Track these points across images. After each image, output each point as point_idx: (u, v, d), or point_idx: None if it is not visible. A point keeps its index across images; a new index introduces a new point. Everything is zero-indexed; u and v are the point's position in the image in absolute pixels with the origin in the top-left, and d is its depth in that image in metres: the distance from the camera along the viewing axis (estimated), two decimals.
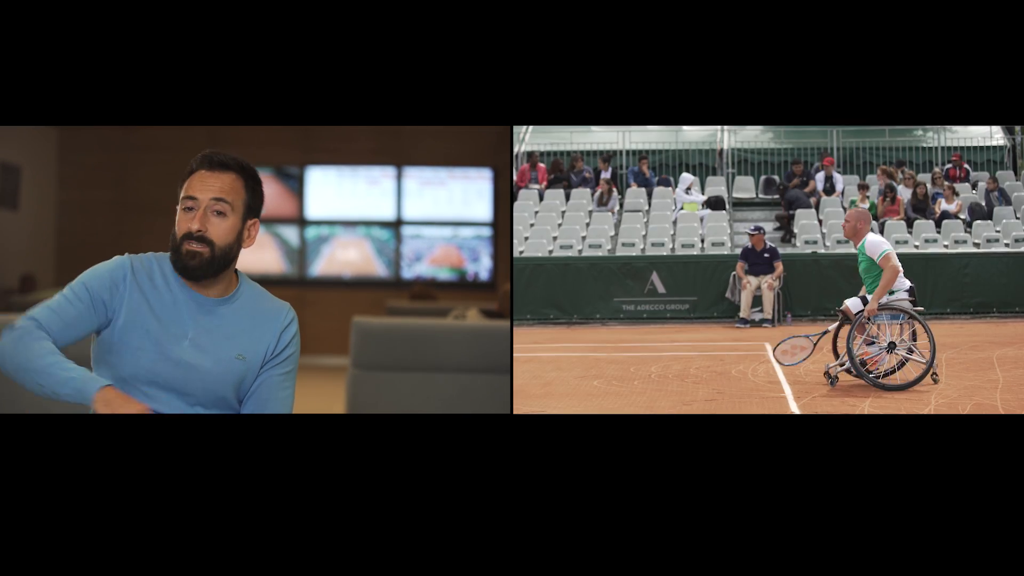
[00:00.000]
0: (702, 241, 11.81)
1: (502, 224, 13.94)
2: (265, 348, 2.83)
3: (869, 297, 5.97)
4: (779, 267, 10.47)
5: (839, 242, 11.31)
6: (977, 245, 11.52)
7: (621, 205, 12.66)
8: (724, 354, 7.97)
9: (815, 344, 6.21)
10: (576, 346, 9.09)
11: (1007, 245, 11.42)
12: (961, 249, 11.31)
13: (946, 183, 12.43)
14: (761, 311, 10.40)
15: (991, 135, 13.63)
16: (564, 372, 7.27)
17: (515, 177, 12.72)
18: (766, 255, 10.53)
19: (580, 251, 11.65)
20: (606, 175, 12.89)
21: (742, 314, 10.40)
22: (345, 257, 14.31)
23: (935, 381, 5.98)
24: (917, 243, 11.47)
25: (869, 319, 5.93)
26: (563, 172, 13.05)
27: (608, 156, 13.16)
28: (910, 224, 11.85)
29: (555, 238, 11.88)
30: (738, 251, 10.87)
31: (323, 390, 10.26)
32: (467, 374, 6.10)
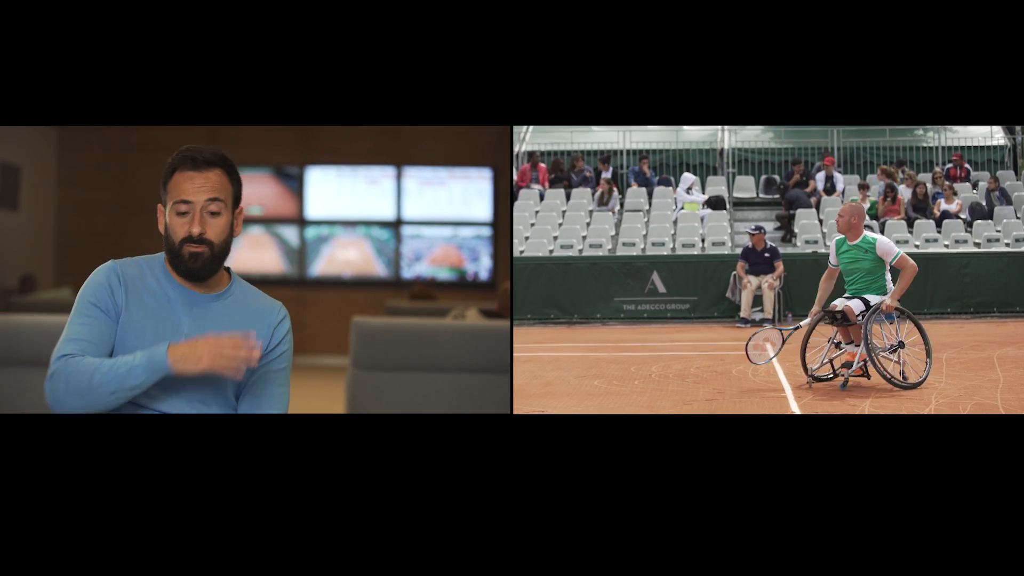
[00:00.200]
0: (702, 241, 11.81)
1: (502, 224, 13.93)
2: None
3: (860, 298, 6.01)
4: (779, 267, 10.46)
5: None
6: (977, 245, 11.51)
7: (622, 205, 12.66)
8: (724, 354, 7.96)
9: (785, 339, 6.28)
10: (576, 346, 9.08)
11: (1007, 245, 11.42)
12: (961, 249, 11.31)
13: (946, 183, 12.43)
14: (762, 311, 10.40)
15: (991, 135, 13.63)
16: (564, 372, 7.27)
17: (515, 177, 12.72)
18: (767, 255, 10.53)
19: (580, 251, 11.64)
20: (607, 175, 12.89)
21: (742, 314, 10.39)
22: (345, 257, 14.30)
23: (868, 377, 6.03)
24: (917, 243, 11.46)
25: (886, 315, 5.99)
26: (564, 172, 13.05)
27: (608, 156, 13.16)
28: (910, 224, 11.85)
29: (555, 238, 11.88)
30: (738, 251, 10.86)
31: (323, 390, 10.27)
32: (467, 374, 6.09)
